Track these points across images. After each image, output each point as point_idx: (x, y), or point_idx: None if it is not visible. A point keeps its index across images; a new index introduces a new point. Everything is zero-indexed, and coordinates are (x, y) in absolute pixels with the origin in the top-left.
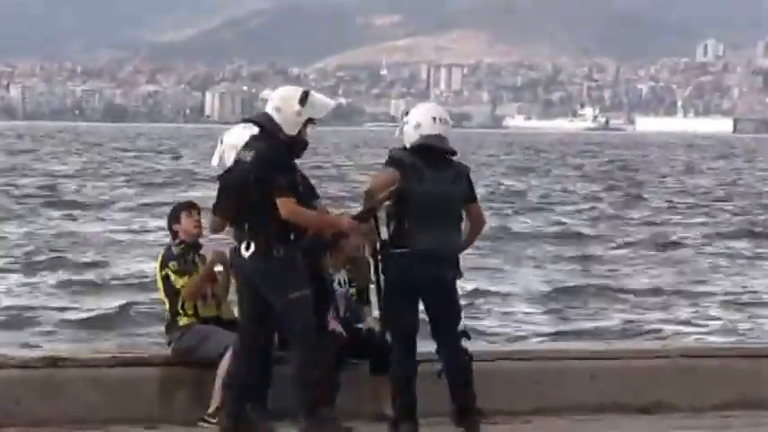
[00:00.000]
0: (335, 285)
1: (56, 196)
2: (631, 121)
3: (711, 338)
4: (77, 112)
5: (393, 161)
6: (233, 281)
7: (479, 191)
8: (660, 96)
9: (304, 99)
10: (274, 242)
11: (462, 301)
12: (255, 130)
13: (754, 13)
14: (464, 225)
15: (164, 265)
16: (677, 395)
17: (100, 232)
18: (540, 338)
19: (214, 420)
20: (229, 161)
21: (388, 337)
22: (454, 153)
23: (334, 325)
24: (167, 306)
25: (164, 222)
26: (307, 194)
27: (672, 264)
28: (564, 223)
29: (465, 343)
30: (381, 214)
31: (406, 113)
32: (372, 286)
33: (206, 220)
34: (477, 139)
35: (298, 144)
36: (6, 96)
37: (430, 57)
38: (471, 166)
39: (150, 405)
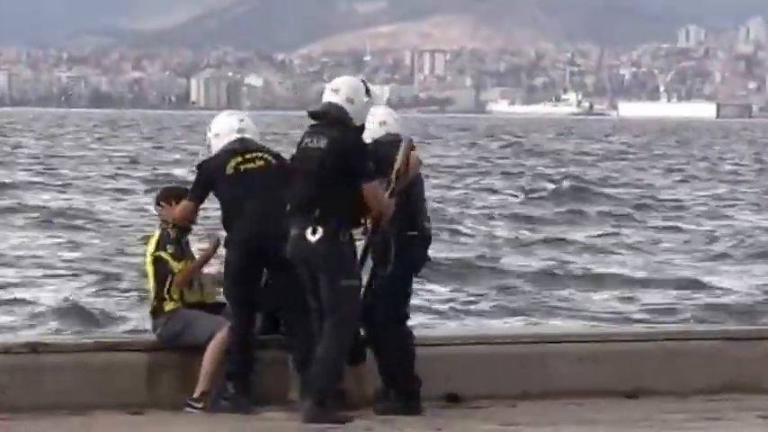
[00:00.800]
0: None
1: None
2: (614, 107)
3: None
4: (63, 98)
5: (412, 145)
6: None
7: None
8: (643, 82)
9: (368, 90)
10: (342, 227)
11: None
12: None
13: None
14: None
15: (159, 248)
16: (663, 379)
17: None
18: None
19: (199, 405)
20: (216, 149)
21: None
22: None
23: None
24: (153, 291)
25: None
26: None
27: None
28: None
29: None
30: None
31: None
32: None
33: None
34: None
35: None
36: None
37: (413, 43)
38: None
39: (135, 390)
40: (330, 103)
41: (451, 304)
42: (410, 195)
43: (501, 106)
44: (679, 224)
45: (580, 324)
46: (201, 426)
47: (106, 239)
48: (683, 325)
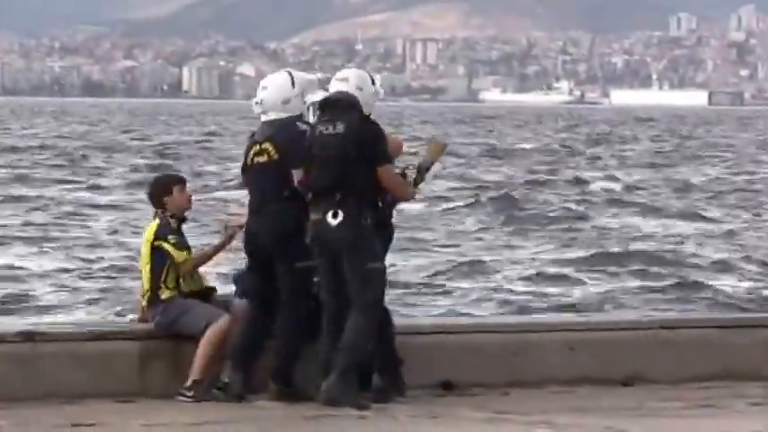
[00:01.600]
0: None
1: None
2: (606, 95)
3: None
4: (56, 88)
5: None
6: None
7: None
8: (635, 70)
9: (374, 80)
10: (364, 211)
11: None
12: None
13: None
14: None
15: (158, 237)
16: (657, 367)
17: None
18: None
19: (191, 394)
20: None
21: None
22: None
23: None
24: (149, 280)
25: None
26: None
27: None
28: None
29: None
30: None
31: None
32: None
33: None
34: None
35: None
36: None
37: (405, 31)
38: None
39: (128, 379)
40: (341, 92)
41: None
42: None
43: (493, 95)
44: None
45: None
46: (192, 414)
47: None
48: (676, 313)
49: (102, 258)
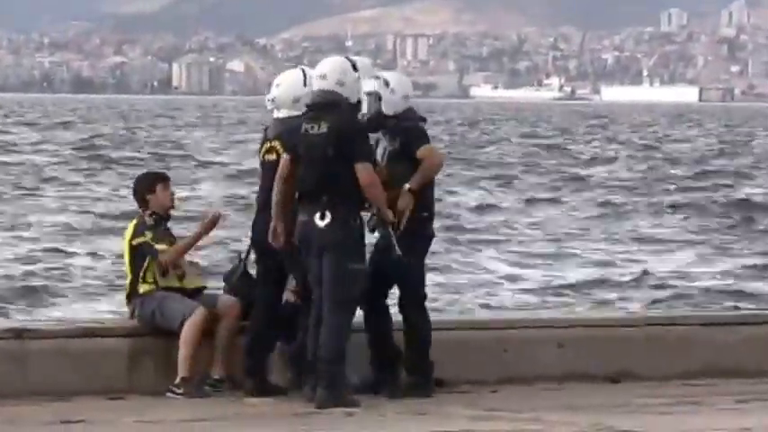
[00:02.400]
0: None
1: None
2: (597, 91)
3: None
4: (45, 84)
5: (426, 136)
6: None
7: None
8: (625, 66)
9: (354, 65)
10: (351, 212)
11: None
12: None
13: None
14: None
15: (136, 236)
16: (644, 364)
17: None
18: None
19: (180, 391)
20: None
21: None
22: None
23: (288, 295)
24: (130, 276)
25: None
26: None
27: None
28: None
29: None
30: None
31: (386, 83)
32: None
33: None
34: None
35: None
36: None
37: (396, 27)
38: None
39: (117, 376)
40: (323, 91)
41: None
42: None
43: (484, 91)
44: None
45: (561, 310)
46: (182, 411)
47: None
48: (663, 310)
49: None
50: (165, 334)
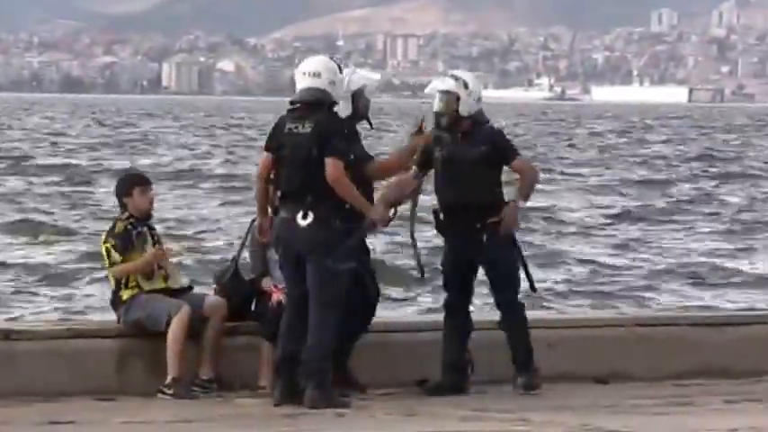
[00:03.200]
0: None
1: None
2: (587, 91)
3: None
4: (35, 83)
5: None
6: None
7: None
8: (615, 66)
9: (340, 66)
10: (334, 213)
11: None
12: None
13: None
14: None
15: (106, 239)
16: (633, 364)
17: None
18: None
19: (170, 391)
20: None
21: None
22: None
23: (278, 295)
24: (112, 282)
25: None
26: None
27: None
28: None
29: None
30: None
31: (465, 85)
32: None
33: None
34: None
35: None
36: None
37: (386, 27)
38: None
39: (107, 377)
40: (316, 89)
41: None
42: None
43: None
44: None
45: (550, 310)
46: (172, 411)
47: None
48: (652, 311)
49: None
50: (154, 335)
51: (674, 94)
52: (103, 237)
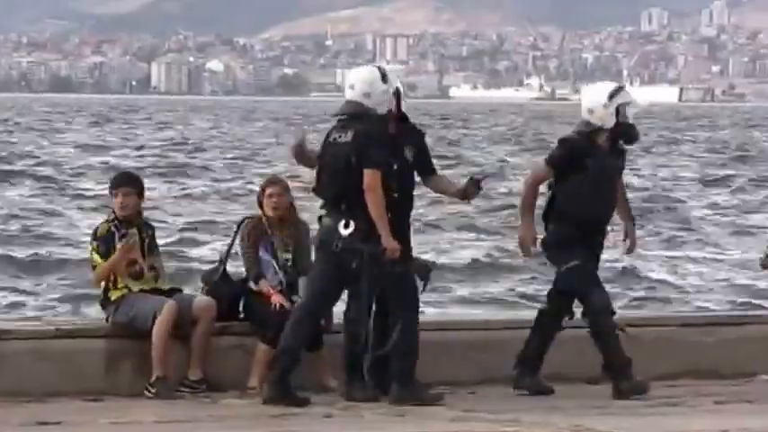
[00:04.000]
0: (268, 256)
1: None
2: (577, 91)
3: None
4: (24, 83)
5: None
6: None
7: None
8: (605, 66)
9: (384, 76)
10: (373, 224)
11: None
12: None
13: None
14: None
15: (91, 241)
16: None
17: None
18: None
19: (154, 390)
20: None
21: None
22: None
23: (278, 298)
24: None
25: None
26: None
27: None
28: None
29: None
30: None
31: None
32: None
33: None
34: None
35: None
36: None
37: (375, 27)
38: None
39: (95, 377)
40: (348, 102)
41: None
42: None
43: (463, 91)
44: None
45: None
46: (160, 412)
47: None
48: (641, 311)
49: None
50: (142, 335)
51: (665, 94)
52: (90, 238)
